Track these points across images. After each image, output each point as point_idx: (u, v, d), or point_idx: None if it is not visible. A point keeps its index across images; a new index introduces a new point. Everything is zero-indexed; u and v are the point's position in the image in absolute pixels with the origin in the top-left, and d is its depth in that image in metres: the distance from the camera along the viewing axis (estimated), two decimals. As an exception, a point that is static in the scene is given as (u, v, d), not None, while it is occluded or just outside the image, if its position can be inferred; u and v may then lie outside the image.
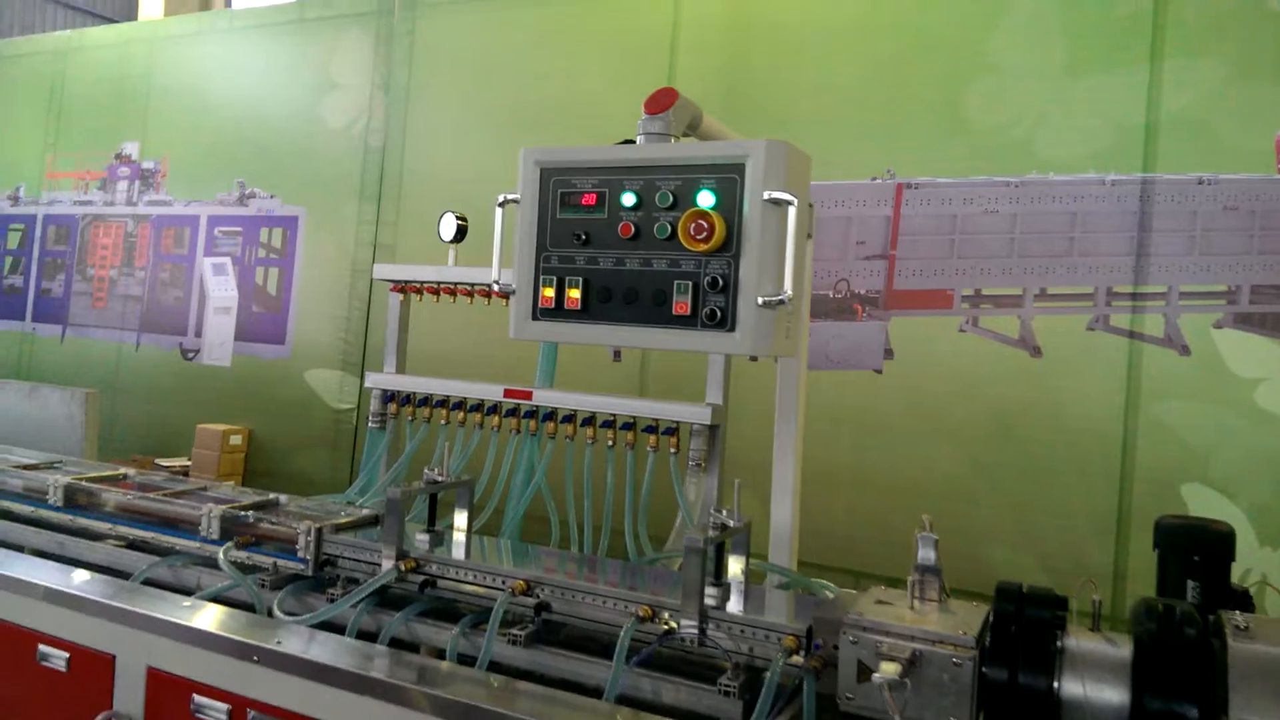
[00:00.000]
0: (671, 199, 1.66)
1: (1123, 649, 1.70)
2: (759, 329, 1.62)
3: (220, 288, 7.27)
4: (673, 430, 2.67)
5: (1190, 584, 1.92)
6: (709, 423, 2.63)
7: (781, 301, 1.60)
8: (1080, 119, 4.76)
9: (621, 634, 1.91)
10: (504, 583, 2.15)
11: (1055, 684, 1.68)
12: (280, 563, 2.43)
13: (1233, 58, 4.44)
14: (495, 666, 2.02)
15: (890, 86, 5.09)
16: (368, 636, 2.18)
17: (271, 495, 2.79)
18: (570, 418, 2.82)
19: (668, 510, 2.76)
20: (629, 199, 1.70)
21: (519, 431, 2.90)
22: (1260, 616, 1.66)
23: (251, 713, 1.97)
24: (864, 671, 1.78)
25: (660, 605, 1.99)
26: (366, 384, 3.15)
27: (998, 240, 4.90)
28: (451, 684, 1.87)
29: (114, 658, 2.15)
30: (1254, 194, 4.41)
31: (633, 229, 1.70)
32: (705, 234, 1.60)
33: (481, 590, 2.19)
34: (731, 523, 2.02)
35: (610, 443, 2.75)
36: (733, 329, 1.64)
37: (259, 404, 7.15)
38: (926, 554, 1.96)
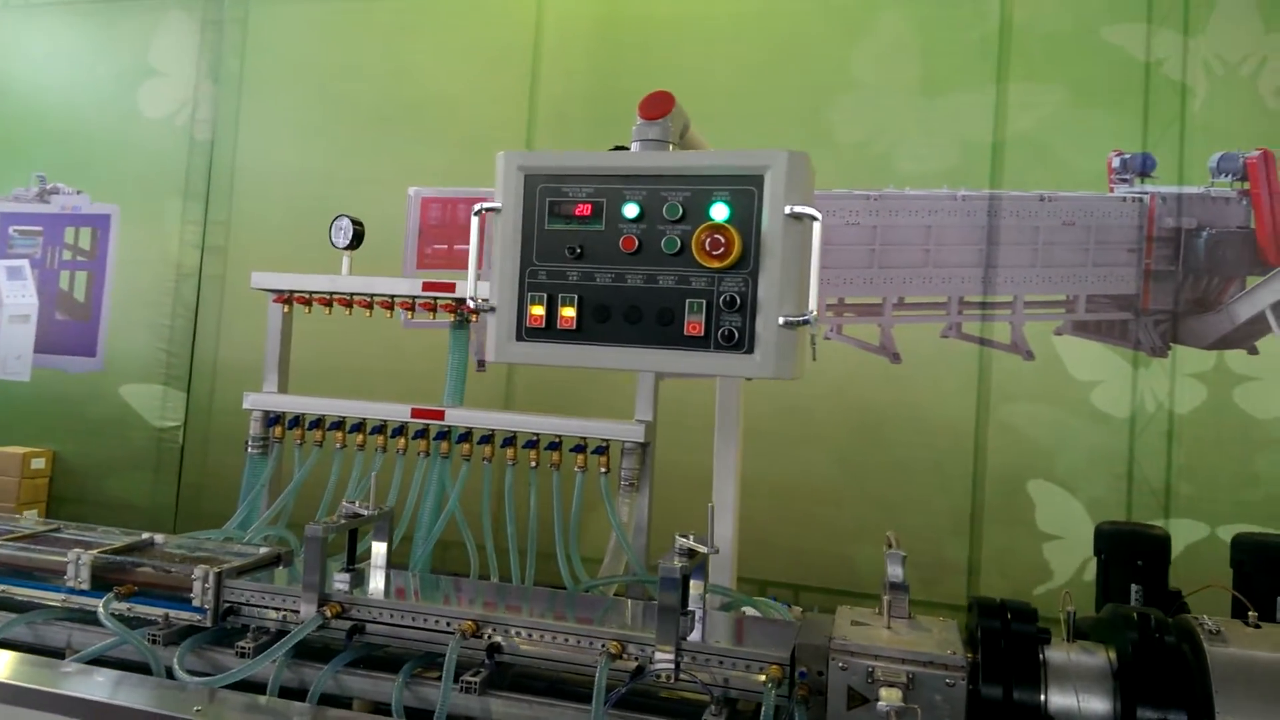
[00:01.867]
0: (681, 211, 1.56)
1: (1101, 658, 1.75)
2: (780, 350, 1.55)
3: (16, 293, 6.46)
4: (603, 449, 2.55)
5: (1134, 588, 2.01)
6: (641, 440, 2.54)
7: (806, 321, 1.53)
8: (934, 136, 5.01)
9: (597, 673, 1.79)
10: (449, 624, 1.97)
11: (1044, 697, 1.70)
12: (173, 614, 2.13)
13: (1070, 83, 4.80)
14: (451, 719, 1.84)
15: (758, 97, 5.17)
16: (291, 694, 1.94)
17: (144, 535, 2.45)
18: (488, 438, 2.65)
19: (594, 533, 2.65)
20: (631, 210, 1.58)
21: (428, 454, 2.70)
22: (1224, 619, 1.75)
23: (173, 791, 1.71)
24: (854, 698, 1.74)
25: (629, 639, 1.88)
26: (247, 405, 2.84)
27: (859, 251, 5.08)
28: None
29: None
30: (1089, 210, 4.78)
31: (636, 243, 1.58)
32: (722, 250, 1.50)
33: (421, 634, 1.99)
34: (702, 548, 1.93)
35: (533, 463, 2.60)
36: (751, 350, 1.55)
37: (65, 423, 6.41)
38: (895, 571, 1.96)
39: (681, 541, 1.99)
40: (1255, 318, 4.69)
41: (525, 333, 1.66)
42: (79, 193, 6.50)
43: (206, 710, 1.76)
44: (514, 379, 5.46)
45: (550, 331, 1.65)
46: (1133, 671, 1.66)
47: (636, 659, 1.87)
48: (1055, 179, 4.86)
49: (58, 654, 2.10)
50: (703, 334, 1.57)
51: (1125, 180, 4.74)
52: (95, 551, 2.24)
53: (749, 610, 2.28)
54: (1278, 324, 4.64)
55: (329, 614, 2.01)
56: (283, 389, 2.91)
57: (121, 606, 2.13)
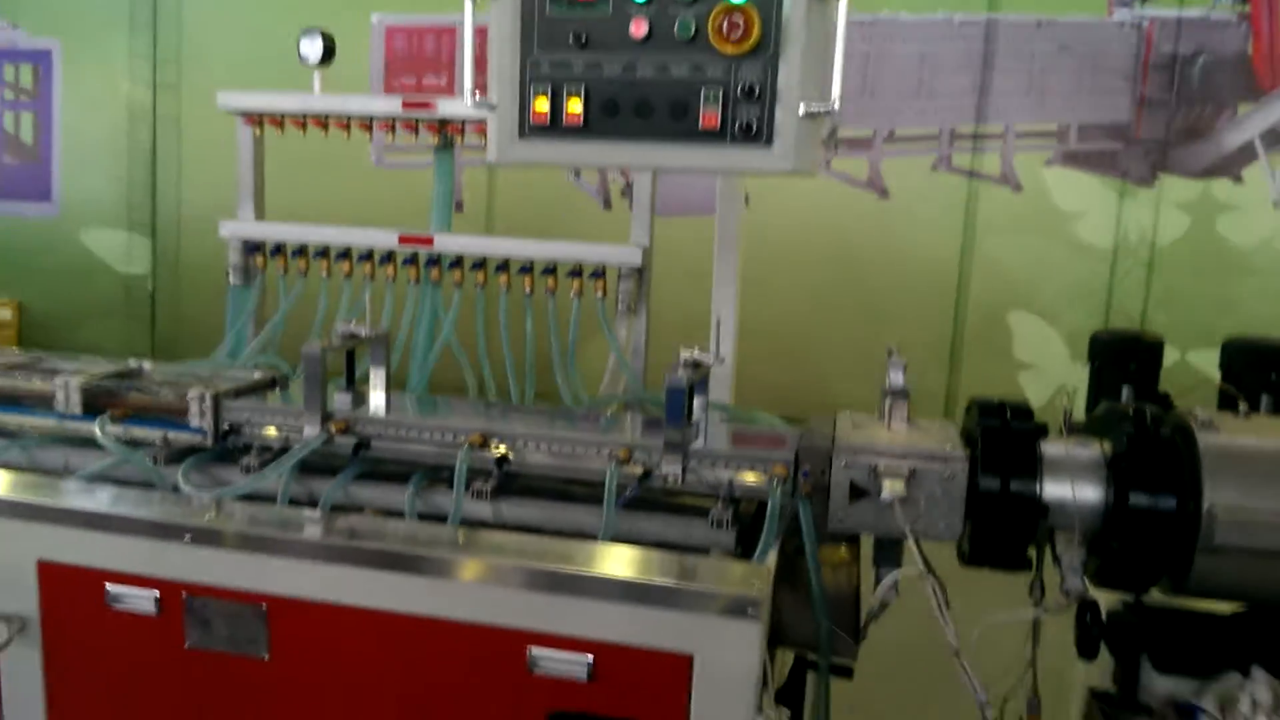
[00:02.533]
0: (695, -10, 1.46)
1: (1095, 450, 1.79)
2: (800, 142, 1.49)
3: (-42, 134, 6.17)
4: (600, 274, 2.51)
5: (1125, 389, 2.04)
6: (638, 264, 2.50)
7: (829, 112, 1.47)
8: (929, -43, 4.80)
9: (607, 477, 1.81)
10: (455, 437, 1.98)
11: (1039, 488, 1.74)
12: (172, 435, 2.11)
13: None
14: (466, 523, 1.87)
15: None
16: (300, 507, 1.96)
17: (132, 362, 2.41)
18: (480, 265, 2.59)
19: (591, 360, 2.63)
20: (641, -10, 1.48)
21: (418, 282, 2.65)
22: (1215, 411, 1.78)
23: (188, 596, 1.73)
24: (855, 493, 1.78)
25: (636, 446, 1.90)
26: (223, 233, 2.75)
27: (849, 80, 4.93)
28: (441, 542, 1.71)
29: (-14, 555, 1.82)
30: (1086, 37, 4.64)
31: (646, 27, 1.49)
32: (740, 32, 1.42)
33: (429, 448, 2.00)
34: (708, 359, 1.93)
35: (528, 290, 2.56)
36: (770, 143, 1.49)
37: (26, 272, 6.25)
38: (896, 377, 1.97)
39: (686, 354, 1.98)
40: (1244, 146, 4.65)
41: (529, 129, 1.59)
42: (15, 27, 6.12)
43: (217, 519, 1.76)
44: (494, 215, 5.35)
45: (555, 129, 1.58)
46: (1125, 460, 1.70)
47: (644, 465, 1.89)
48: (1053, 2, 4.70)
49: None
50: (718, 126, 1.51)
51: (1125, 4, 4.58)
52: (85, 376, 2.21)
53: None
54: (1265, 151, 4.61)
55: (334, 430, 2.00)
56: (259, 217, 2.81)
57: (117, 429, 2.10)
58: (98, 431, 2.05)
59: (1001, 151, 4.85)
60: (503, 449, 1.96)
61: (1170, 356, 5.17)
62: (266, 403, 2.12)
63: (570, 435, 1.94)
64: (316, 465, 2.05)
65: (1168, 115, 4.65)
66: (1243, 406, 1.80)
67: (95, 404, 2.18)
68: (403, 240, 2.62)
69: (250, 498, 1.92)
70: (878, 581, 1.86)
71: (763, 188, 5.00)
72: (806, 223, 5.05)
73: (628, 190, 5.27)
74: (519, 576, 1.60)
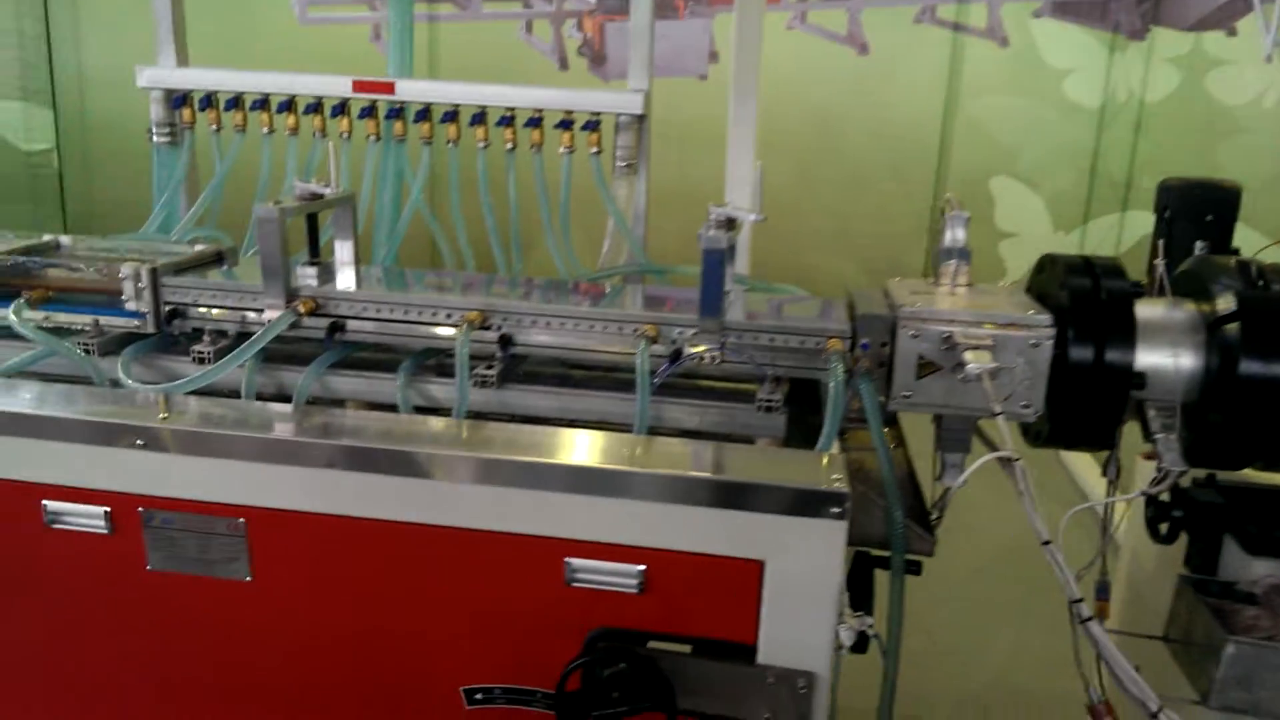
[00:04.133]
0: None
1: (1191, 311, 1.58)
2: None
3: None
4: (594, 125, 2.18)
5: (1199, 244, 1.83)
6: (639, 112, 2.17)
7: None
8: None
9: (639, 358, 1.54)
10: (449, 316, 1.68)
11: (1135, 356, 1.54)
12: (104, 320, 1.77)
13: None
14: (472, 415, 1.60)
15: None
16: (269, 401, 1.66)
17: (46, 236, 2.03)
18: (452, 115, 2.23)
19: (582, 228, 2.32)
20: None
21: (379, 138, 2.28)
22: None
23: (147, 511, 1.44)
24: (925, 367, 1.56)
25: (665, 321, 1.63)
26: (142, 83, 2.33)
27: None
28: (452, 439, 1.43)
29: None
30: None
31: None
32: None
33: (416, 330, 1.70)
34: (747, 215, 1.65)
35: (509, 144, 2.22)
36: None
37: (-92, 151, 5.59)
38: (957, 235, 1.73)
39: (719, 211, 1.70)
40: (1239, -6, 4.40)
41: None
42: None
43: (174, 417, 1.46)
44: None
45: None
46: (1234, 321, 1.49)
47: (674, 342, 1.62)
48: None
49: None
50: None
51: None
52: (-10, 253, 1.84)
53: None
54: (1260, 1, 4.37)
55: (302, 309, 1.69)
56: (182, 63, 2.38)
57: (36, 314, 1.76)
58: (13, 317, 1.70)
59: (988, 1, 4.53)
60: (506, 329, 1.68)
61: (1152, 223, 5.02)
62: (215, 280, 1.79)
63: (585, 312, 1.66)
64: (280, 354, 1.74)
65: (1165, -41, 4.37)
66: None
67: (7, 285, 1.82)
68: (358, 87, 2.24)
69: (207, 392, 1.62)
70: (942, 467, 1.65)
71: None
72: (780, 82, 4.69)
73: (585, 48, 4.83)
74: (552, 476, 1.34)
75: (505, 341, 1.68)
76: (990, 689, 2.74)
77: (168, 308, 1.77)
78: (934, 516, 1.57)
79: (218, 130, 2.33)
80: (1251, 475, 1.72)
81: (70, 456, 1.44)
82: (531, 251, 2.28)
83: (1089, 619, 1.43)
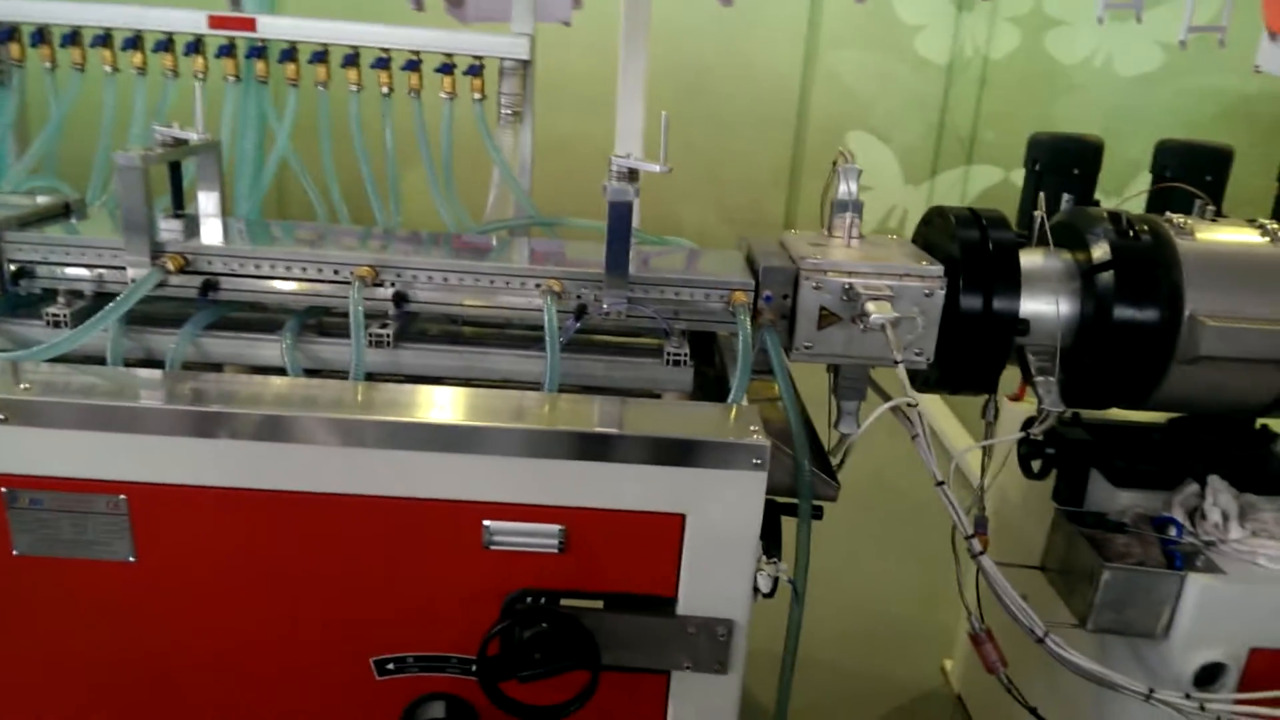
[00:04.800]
0: None
1: (1067, 260, 1.68)
2: None
3: None
4: (477, 70, 2.09)
5: (1065, 197, 1.94)
6: (525, 57, 2.09)
7: None
8: None
9: (546, 314, 1.50)
10: (336, 272, 1.59)
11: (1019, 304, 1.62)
12: (-62, 281, 1.58)
13: None
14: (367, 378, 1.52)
15: None
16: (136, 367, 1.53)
17: None
18: (322, 55, 2.09)
19: (458, 174, 2.23)
20: None
21: (239, 78, 2.11)
22: (1186, 216, 1.70)
23: (9, 491, 1.30)
24: (826, 318, 1.59)
25: (569, 276, 1.59)
26: (-43, 13, 2.06)
27: None
28: (353, 402, 1.36)
29: None
30: None
31: None
32: None
33: (300, 286, 1.60)
34: (650, 166, 1.62)
35: (385, 88, 2.10)
36: None
37: None
38: (850, 187, 1.76)
39: (621, 161, 1.67)
40: (1076, -43, 4.66)
41: None
42: None
43: (38, 388, 1.32)
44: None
45: None
46: (1108, 270, 1.59)
47: (579, 297, 1.59)
48: None
49: None
50: None
51: None
52: None
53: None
54: (1093, -35, 4.64)
55: (171, 266, 1.55)
56: (5, -7, 2.13)
57: None
58: None
59: (848, -46, 4.61)
60: (397, 287, 1.60)
61: (993, 177, 5.30)
62: (67, 235, 1.62)
63: (488, 267, 1.60)
64: (142, 316, 1.60)
65: (1008, -81, 4.57)
66: (1209, 208, 1.73)
67: None
68: (214, 23, 2.06)
69: (65, 360, 1.47)
70: (839, 414, 1.70)
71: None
72: (652, 33, 4.64)
73: (443, -12, 4.62)
74: (467, 438, 1.30)
75: (400, 299, 1.60)
76: (873, 620, 2.88)
77: (13, 266, 1.59)
78: (836, 463, 1.62)
79: (52, 69, 2.10)
80: (1113, 414, 1.86)
81: (-88, 435, 1.28)
82: (406, 204, 2.18)
83: (981, 552, 1.52)
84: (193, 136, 1.63)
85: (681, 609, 1.36)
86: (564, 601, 1.35)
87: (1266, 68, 4.49)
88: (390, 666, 1.40)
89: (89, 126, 2.13)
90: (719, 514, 1.31)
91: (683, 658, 1.37)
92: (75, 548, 1.33)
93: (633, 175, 1.64)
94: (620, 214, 1.55)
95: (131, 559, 1.33)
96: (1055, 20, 4.72)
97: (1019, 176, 4.90)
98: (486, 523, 1.32)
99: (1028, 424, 1.88)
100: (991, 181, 4.95)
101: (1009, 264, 1.61)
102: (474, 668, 1.39)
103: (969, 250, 1.61)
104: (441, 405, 1.37)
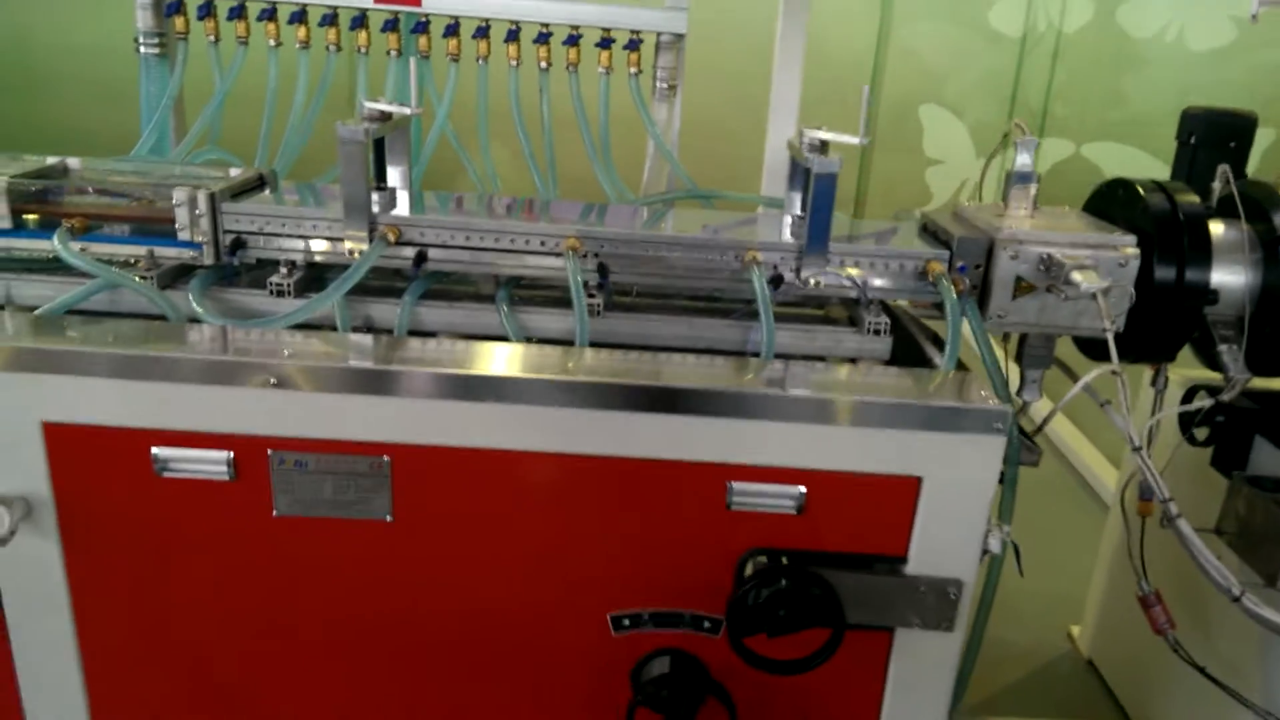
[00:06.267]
0: None
1: (1248, 231, 1.72)
2: None
3: None
4: (636, 44, 2.13)
5: (1220, 169, 1.97)
6: (682, 31, 2.13)
7: None
8: None
9: (756, 282, 1.55)
10: (543, 243, 1.63)
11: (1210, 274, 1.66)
12: (159, 250, 1.63)
13: None
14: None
15: None
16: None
17: (50, 159, 1.83)
18: (484, 31, 2.13)
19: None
20: None
21: (400, 53, 2.15)
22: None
23: (276, 454, 1.36)
24: (1021, 288, 1.63)
25: (768, 247, 1.64)
26: (127, -13, 2.10)
27: None
28: (601, 369, 1.40)
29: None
30: None
31: None
32: None
33: (508, 258, 1.64)
34: (848, 139, 1.66)
35: (543, 63, 2.14)
36: None
37: None
38: (1026, 160, 1.80)
39: (813, 134, 1.71)
40: (1151, -69, 4.64)
41: None
42: None
43: (302, 352, 1.37)
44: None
45: None
46: (1297, 243, 1.63)
47: (776, 267, 1.64)
48: None
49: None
50: None
51: None
52: (6, 175, 1.64)
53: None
54: (1170, -63, 4.63)
55: (391, 238, 1.60)
56: (169, -33, 2.16)
57: (75, 246, 1.60)
58: (59, 248, 1.54)
59: (925, -73, 4.60)
60: (601, 257, 1.65)
61: (1064, 150, 5.29)
62: (285, 207, 1.67)
63: (692, 239, 1.64)
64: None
65: (1088, -108, 4.55)
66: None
67: (33, 212, 1.65)
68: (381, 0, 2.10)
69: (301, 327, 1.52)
70: (1022, 382, 1.75)
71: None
72: (727, 16, 4.65)
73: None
74: (714, 402, 1.35)
75: (603, 270, 1.65)
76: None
77: (230, 236, 1.64)
78: (1033, 430, 1.67)
79: (215, 42, 2.14)
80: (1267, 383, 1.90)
81: (185, 399, 1.34)
82: (571, 169, 2.23)
83: (1178, 515, 1.57)
84: (406, 110, 1.67)
85: (911, 568, 1.41)
86: (794, 560, 1.41)
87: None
88: (626, 623, 1.46)
89: (242, 100, 2.18)
90: (956, 477, 1.36)
91: (912, 616, 1.43)
92: (335, 508, 1.39)
93: (824, 146, 1.69)
94: (825, 186, 1.59)
95: (388, 518, 1.39)
96: (1129, -6, 4.71)
97: (1091, 151, 4.89)
98: (731, 483, 1.37)
99: (1190, 393, 1.92)
100: (1063, 155, 4.95)
101: (1200, 235, 1.65)
102: (705, 624, 1.45)
103: (1162, 221, 1.65)
104: (681, 371, 1.41)
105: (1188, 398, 1.93)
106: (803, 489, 1.37)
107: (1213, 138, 2.02)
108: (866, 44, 4.77)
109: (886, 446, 1.35)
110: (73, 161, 1.84)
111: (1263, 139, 5.01)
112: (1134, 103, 4.91)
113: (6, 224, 1.63)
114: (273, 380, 1.33)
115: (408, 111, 1.66)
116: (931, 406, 1.34)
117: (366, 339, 1.48)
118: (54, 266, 1.69)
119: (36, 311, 1.53)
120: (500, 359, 1.42)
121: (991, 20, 4.77)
